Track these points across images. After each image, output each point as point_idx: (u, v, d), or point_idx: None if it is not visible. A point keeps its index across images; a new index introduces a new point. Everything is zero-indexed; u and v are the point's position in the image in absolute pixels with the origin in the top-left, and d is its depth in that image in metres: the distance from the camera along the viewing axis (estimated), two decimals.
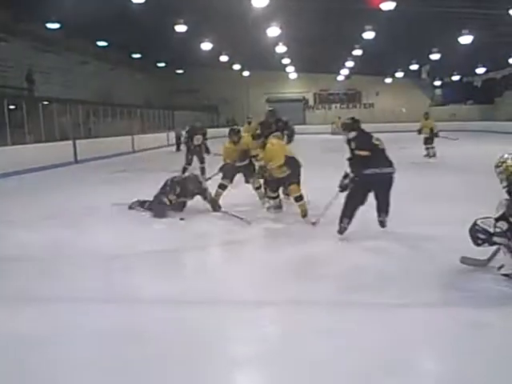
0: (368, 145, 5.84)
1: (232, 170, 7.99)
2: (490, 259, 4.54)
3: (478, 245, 4.32)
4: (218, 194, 7.90)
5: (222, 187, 7.96)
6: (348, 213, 5.80)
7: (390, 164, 5.84)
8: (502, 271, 4.29)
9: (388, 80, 39.00)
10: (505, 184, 4.32)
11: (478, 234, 4.27)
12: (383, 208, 5.92)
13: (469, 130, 31.50)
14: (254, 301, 4.16)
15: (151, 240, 6.16)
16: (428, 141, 15.40)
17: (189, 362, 3.09)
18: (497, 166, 4.42)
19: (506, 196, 4.24)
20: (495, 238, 4.21)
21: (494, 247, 4.41)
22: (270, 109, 9.76)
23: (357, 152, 5.84)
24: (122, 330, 3.55)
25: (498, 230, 4.16)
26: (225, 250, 6.07)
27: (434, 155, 15.15)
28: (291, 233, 6.49)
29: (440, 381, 2.94)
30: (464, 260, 4.60)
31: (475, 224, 4.32)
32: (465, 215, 4.69)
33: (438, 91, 40.66)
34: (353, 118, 6.25)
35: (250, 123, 11.58)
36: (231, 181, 8.03)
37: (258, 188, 8.04)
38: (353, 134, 5.95)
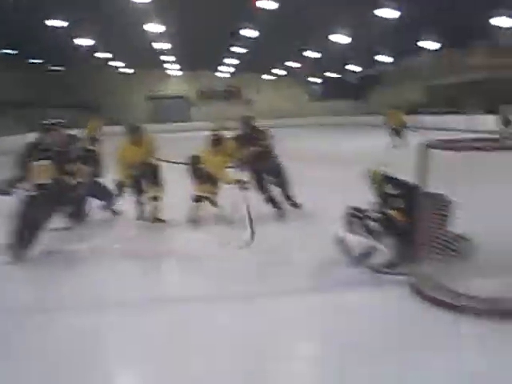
0: None
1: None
2: (361, 256, 4.74)
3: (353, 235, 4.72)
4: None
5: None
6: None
7: None
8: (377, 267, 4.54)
9: (268, 77, 39.95)
10: (376, 192, 4.90)
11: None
12: None
13: (345, 124, 33.24)
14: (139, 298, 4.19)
15: None
16: (396, 132, 16.19)
17: None
18: (369, 178, 4.95)
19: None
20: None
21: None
22: None
23: None
24: None
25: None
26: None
27: (406, 145, 15.26)
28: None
29: (309, 360, 3.23)
30: (338, 240, 4.85)
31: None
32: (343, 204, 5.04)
33: (316, 87, 42.34)
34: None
35: None
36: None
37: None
38: None
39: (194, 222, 6.56)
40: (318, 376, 3.01)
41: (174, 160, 8.37)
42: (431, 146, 3.96)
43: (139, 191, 6.79)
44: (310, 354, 3.35)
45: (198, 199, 6.65)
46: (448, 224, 4.34)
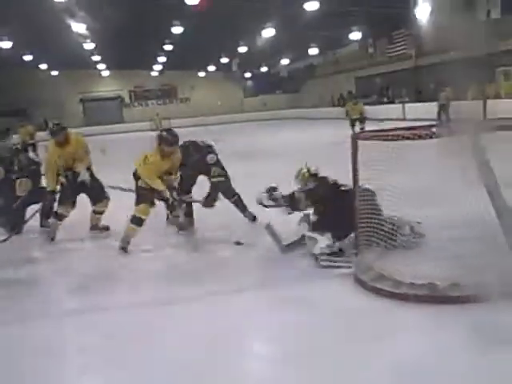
0: None
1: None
2: (289, 245, 4.92)
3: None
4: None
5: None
6: None
7: None
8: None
9: (201, 74, 39.80)
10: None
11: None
12: None
13: (280, 118, 33.63)
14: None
15: None
16: (357, 122, 16.67)
17: None
18: (296, 177, 5.17)
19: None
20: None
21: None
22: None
23: None
24: None
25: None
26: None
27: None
28: None
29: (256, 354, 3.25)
30: (268, 228, 5.03)
31: None
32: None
33: (249, 83, 42.55)
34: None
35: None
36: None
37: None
38: None
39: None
40: (263, 370, 3.01)
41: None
42: (359, 137, 4.09)
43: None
44: (257, 348, 3.37)
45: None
46: (379, 214, 4.45)
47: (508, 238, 3.65)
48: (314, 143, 15.66)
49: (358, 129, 16.27)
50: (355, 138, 4.15)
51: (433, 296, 3.51)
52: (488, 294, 3.31)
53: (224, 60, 34.26)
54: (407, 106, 24.43)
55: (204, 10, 17.41)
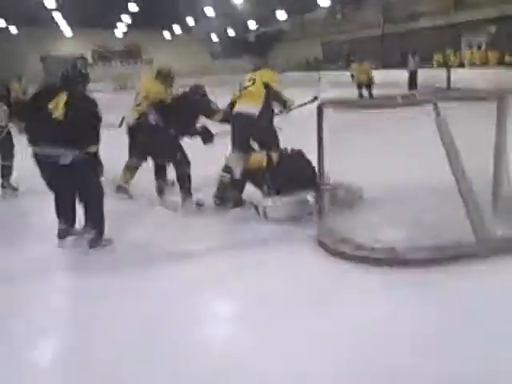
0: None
1: None
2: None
3: None
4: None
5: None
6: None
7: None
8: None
9: (167, 35, 38.96)
10: None
11: None
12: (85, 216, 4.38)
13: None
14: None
15: None
16: (363, 85, 15.28)
17: None
18: None
19: None
20: None
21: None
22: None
23: None
24: None
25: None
26: None
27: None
28: None
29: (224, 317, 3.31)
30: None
31: None
32: None
33: (217, 46, 41.91)
34: None
35: None
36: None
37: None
38: None
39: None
40: (232, 330, 3.09)
41: None
42: (325, 105, 4.14)
43: None
44: (224, 310, 3.43)
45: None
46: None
47: (465, 203, 3.79)
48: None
49: (366, 93, 15.08)
50: (321, 106, 4.19)
51: (392, 259, 3.64)
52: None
53: (190, 22, 33.61)
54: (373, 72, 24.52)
55: None
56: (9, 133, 6.31)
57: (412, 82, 18.69)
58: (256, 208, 4.89)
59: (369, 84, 15.28)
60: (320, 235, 4.16)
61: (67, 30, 36.54)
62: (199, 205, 5.33)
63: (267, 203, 4.84)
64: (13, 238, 4.73)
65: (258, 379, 2.55)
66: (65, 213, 4.32)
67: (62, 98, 4.03)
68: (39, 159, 4.08)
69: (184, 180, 5.34)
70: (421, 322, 2.95)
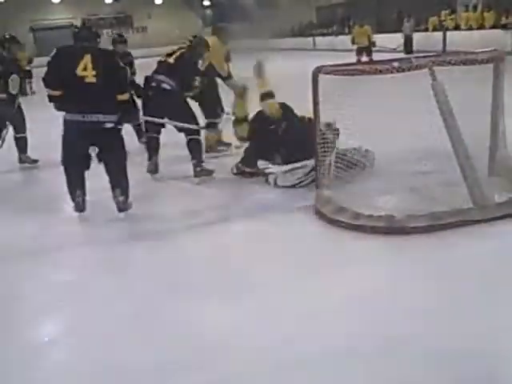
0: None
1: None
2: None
3: None
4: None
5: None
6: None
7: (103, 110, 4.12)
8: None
9: (158, 1, 38.24)
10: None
11: None
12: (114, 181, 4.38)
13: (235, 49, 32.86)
14: None
15: None
16: (364, 51, 14.22)
17: None
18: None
19: None
20: None
21: None
22: None
23: None
24: None
25: None
26: None
27: None
28: None
29: (223, 285, 3.28)
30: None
31: None
32: None
33: (209, 12, 41.17)
34: None
35: None
36: None
37: None
38: None
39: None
40: (222, 299, 3.05)
41: None
42: (321, 71, 4.10)
43: None
44: (219, 280, 3.40)
45: None
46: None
47: (462, 169, 3.77)
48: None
49: (364, 59, 13.77)
50: (316, 72, 4.14)
51: (390, 227, 3.63)
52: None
53: None
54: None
55: None
56: (19, 104, 6.30)
57: (407, 46, 18.46)
58: (266, 177, 4.98)
59: (369, 48, 14.49)
60: (317, 204, 4.15)
61: None
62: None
63: (278, 171, 4.94)
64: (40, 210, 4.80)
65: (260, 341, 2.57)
66: (81, 184, 4.32)
67: (87, 59, 4.04)
68: (79, 127, 4.08)
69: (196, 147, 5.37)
70: (420, 292, 2.93)
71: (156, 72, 5.40)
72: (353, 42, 14.77)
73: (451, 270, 3.13)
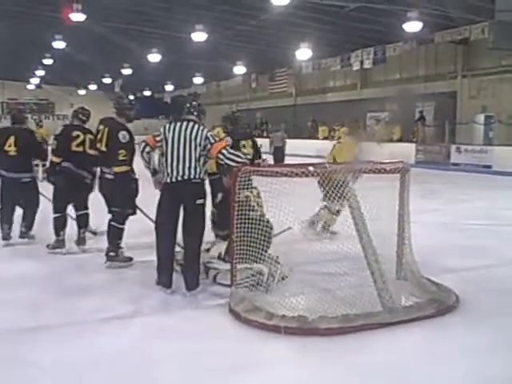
0: None
1: None
2: None
3: None
4: None
5: None
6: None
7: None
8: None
9: (82, 92, 38.46)
10: None
11: None
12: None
13: None
14: None
15: None
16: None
17: None
18: None
19: None
20: None
21: None
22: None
23: None
24: None
25: None
26: None
27: None
28: None
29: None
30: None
31: None
32: None
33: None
34: None
35: None
36: None
37: None
38: None
39: None
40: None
41: None
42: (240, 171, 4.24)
43: None
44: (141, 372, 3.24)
45: None
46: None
47: (372, 273, 3.91)
48: None
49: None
50: (236, 172, 4.26)
51: (302, 328, 3.64)
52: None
53: (107, 80, 33.49)
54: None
55: (72, 24, 16.65)
56: None
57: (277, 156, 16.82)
58: (207, 270, 4.81)
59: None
60: (231, 303, 4.11)
61: None
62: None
63: (221, 267, 4.77)
64: None
65: None
66: (9, 219, 6.24)
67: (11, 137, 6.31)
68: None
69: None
70: None
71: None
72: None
73: (365, 371, 3.16)
